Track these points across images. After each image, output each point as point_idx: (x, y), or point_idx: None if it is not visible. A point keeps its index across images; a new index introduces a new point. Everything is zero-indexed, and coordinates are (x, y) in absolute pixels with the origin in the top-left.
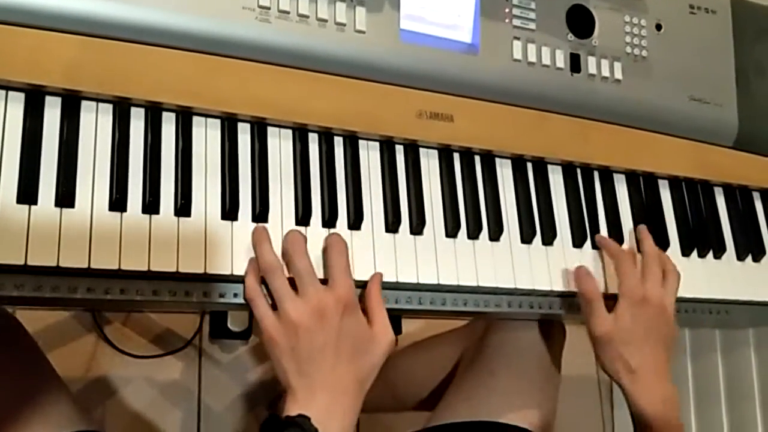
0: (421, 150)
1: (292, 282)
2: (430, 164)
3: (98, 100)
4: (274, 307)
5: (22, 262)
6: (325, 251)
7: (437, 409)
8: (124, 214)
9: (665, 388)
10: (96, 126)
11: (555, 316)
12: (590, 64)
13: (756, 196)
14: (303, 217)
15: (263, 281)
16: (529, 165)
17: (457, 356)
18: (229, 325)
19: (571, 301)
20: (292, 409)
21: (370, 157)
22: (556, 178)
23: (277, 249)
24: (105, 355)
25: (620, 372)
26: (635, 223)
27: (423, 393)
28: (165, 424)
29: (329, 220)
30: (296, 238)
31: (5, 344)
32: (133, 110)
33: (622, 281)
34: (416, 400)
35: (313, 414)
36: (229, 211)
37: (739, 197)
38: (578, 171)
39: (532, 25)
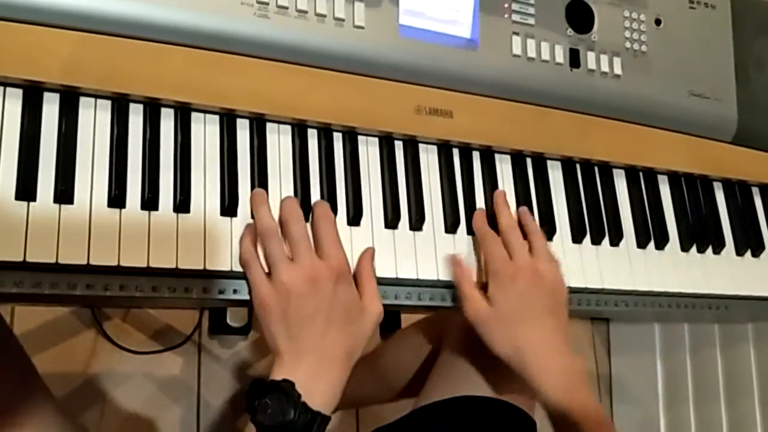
0: (421, 146)
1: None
2: (429, 160)
3: (97, 96)
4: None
5: (20, 259)
6: (313, 223)
7: (423, 391)
8: (123, 210)
9: (563, 360)
10: (94, 122)
11: None
12: (590, 59)
13: (755, 191)
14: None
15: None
16: (529, 161)
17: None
18: (228, 321)
19: (570, 296)
20: (277, 374)
21: (369, 152)
22: (555, 174)
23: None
24: (104, 351)
25: (508, 354)
26: (635, 219)
27: (411, 378)
28: (164, 419)
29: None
30: (293, 205)
31: None
32: (132, 106)
33: (487, 262)
34: (407, 387)
35: (298, 379)
36: (229, 207)
37: (739, 192)
38: (578, 166)
39: (532, 21)
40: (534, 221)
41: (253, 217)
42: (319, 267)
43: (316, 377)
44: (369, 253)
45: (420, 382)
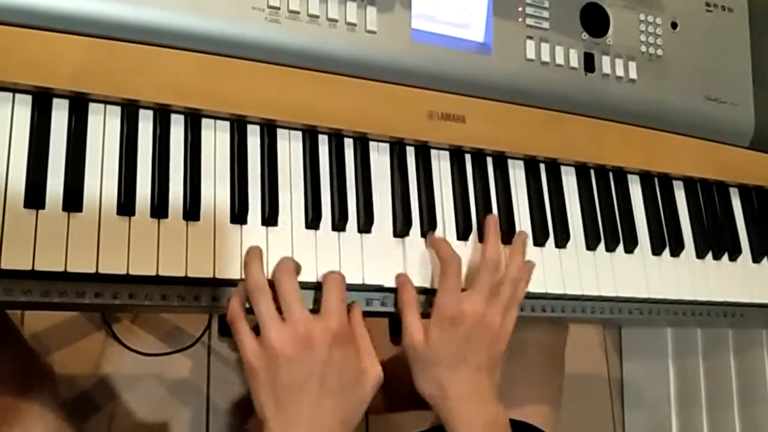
0: (433, 151)
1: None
2: (441, 166)
3: (106, 102)
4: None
5: (29, 268)
6: (323, 284)
7: None
8: (132, 217)
9: (487, 412)
10: (104, 128)
11: (568, 320)
12: (605, 63)
13: None
14: (313, 221)
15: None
16: (542, 166)
17: None
18: None
19: (584, 304)
20: None
21: (380, 158)
22: (569, 180)
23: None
24: (114, 352)
25: (432, 396)
26: (650, 226)
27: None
28: (174, 421)
29: (339, 224)
30: (286, 262)
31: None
32: (142, 112)
33: (438, 293)
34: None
35: None
36: (239, 215)
37: (755, 198)
38: (592, 172)
39: (546, 24)
40: (523, 250)
41: (244, 268)
42: (312, 327)
43: None
44: (358, 311)
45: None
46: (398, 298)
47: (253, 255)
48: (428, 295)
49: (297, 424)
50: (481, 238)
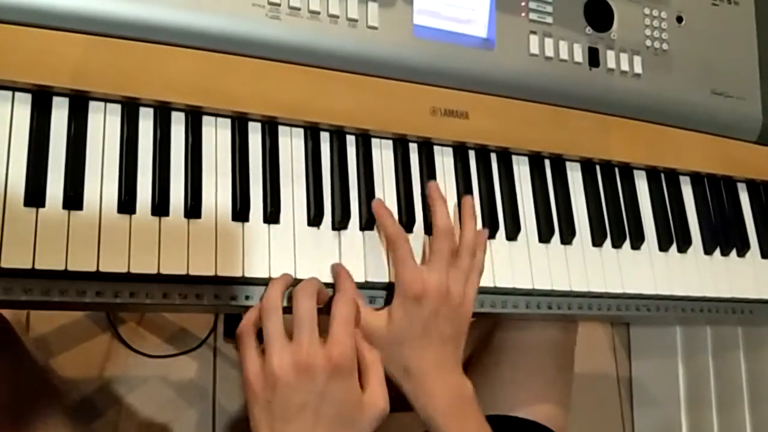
0: (436, 148)
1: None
2: (444, 162)
3: (106, 100)
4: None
5: (29, 266)
6: (332, 305)
7: None
8: (133, 216)
9: (452, 384)
10: (104, 127)
11: (575, 317)
12: (609, 58)
13: None
14: (315, 218)
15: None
16: (547, 162)
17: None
18: None
19: (590, 302)
20: None
21: (383, 155)
22: (574, 176)
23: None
24: (119, 354)
25: (396, 375)
26: (656, 222)
27: None
28: (180, 423)
29: (341, 221)
30: (311, 283)
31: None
32: (142, 110)
33: (396, 271)
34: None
35: None
36: (240, 212)
37: (764, 193)
38: (597, 168)
39: (549, 19)
40: (474, 216)
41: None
42: (314, 355)
43: None
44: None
45: None
46: (341, 284)
47: (281, 278)
48: None
49: None
50: (489, 235)
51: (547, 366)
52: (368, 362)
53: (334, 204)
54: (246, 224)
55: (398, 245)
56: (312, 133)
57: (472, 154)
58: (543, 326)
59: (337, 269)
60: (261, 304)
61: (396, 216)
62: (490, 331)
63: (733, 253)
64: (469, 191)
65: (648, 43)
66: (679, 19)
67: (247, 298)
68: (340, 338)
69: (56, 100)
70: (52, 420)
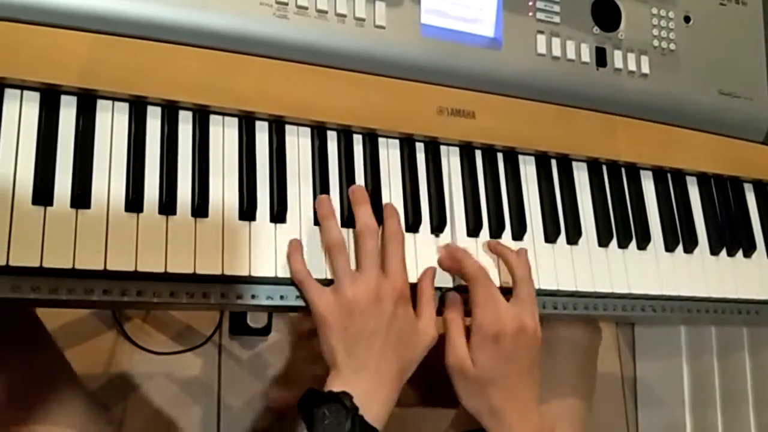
0: (442, 147)
1: None
2: (451, 162)
3: (114, 98)
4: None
5: (37, 264)
6: (383, 239)
7: (458, 415)
8: (141, 214)
9: (534, 422)
10: (112, 125)
11: (581, 317)
12: (616, 58)
13: None
14: None
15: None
16: (554, 162)
17: None
18: (248, 322)
19: (596, 302)
20: (335, 386)
21: (389, 155)
22: (581, 176)
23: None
24: (125, 351)
25: (482, 413)
26: (663, 222)
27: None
28: (185, 420)
29: (348, 220)
30: (370, 219)
31: (25, 346)
32: (150, 109)
33: (475, 313)
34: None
35: (356, 393)
36: (247, 211)
37: None
38: (604, 168)
39: (557, 19)
40: (509, 249)
41: (321, 222)
42: (383, 285)
43: (372, 393)
44: (430, 277)
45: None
46: (447, 319)
47: (328, 210)
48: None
49: (364, 370)
50: (491, 234)
51: (572, 366)
52: (423, 299)
53: (342, 203)
54: (253, 223)
55: (478, 280)
56: (319, 132)
57: (478, 153)
58: (570, 326)
59: (387, 208)
60: (326, 241)
61: (402, 215)
62: None
63: (740, 253)
64: (476, 191)
65: (655, 43)
66: (687, 19)
67: (253, 297)
68: (398, 271)
69: (64, 98)
70: (68, 402)
